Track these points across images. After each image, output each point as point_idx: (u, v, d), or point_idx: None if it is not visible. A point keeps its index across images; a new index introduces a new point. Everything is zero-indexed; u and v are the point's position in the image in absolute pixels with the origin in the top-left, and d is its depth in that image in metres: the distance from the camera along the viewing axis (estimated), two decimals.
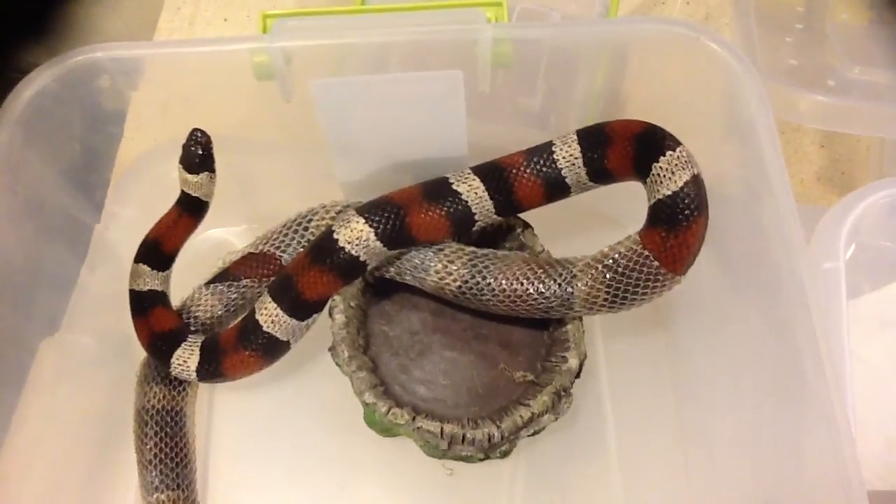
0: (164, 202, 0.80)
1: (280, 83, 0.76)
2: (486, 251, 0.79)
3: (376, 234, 0.73)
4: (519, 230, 0.86)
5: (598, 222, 0.97)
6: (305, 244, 0.82)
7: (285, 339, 0.76)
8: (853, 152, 1.16)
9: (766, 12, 0.97)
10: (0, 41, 1.21)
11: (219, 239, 1.02)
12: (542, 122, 0.95)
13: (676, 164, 0.68)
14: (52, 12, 1.29)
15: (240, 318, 0.80)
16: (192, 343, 0.78)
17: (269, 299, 0.75)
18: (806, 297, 0.61)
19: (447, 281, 0.78)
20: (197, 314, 0.83)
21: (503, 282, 0.76)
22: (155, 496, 0.80)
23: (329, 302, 0.80)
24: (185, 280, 0.84)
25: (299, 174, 0.94)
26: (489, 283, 0.76)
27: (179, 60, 0.77)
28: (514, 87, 0.90)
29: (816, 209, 0.92)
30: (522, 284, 0.76)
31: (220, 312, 0.83)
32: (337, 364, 0.81)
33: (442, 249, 0.78)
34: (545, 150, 0.75)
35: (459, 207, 0.74)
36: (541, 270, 0.76)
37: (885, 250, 0.82)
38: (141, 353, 0.83)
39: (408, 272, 0.79)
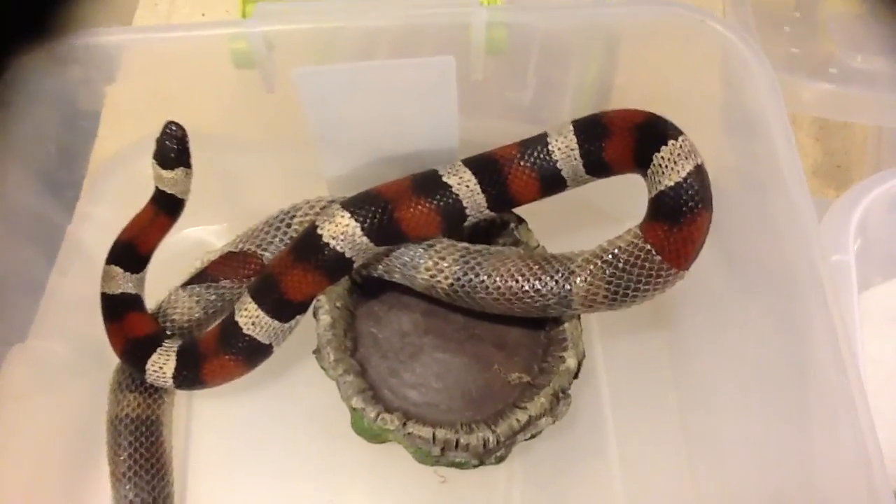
0: (140, 201, 0.76)
1: (261, 72, 0.72)
2: (478, 247, 0.76)
3: (363, 230, 0.69)
4: (513, 225, 0.83)
5: (594, 217, 0.94)
6: (288, 242, 0.78)
7: (267, 342, 0.72)
8: (849, 146, 1.14)
9: (761, 1, 0.95)
10: None
11: (196, 238, 0.98)
12: (533, 116, 0.92)
13: (679, 154, 0.66)
14: (17, 7, 1.25)
15: (219, 321, 0.76)
16: (168, 348, 0.74)
17: (250, 300, 0.71)
18: (823, 292, 0.60)
19: (438, 279, 0.74)
20: (173, 317, 0.79)
21: (497, 279, 0.73)
22: None
23: (314, 302, 0.76)
24: (160, 282, 0.80)
25: (281, 169, 0.90)
26: (482, 281, 0.73)
27: (155, 48, 0.74)
28: (505, 79, 0.87)
29: (814, 203, 0.90)
30: (518, 281, 0.72)
31: (198, 315, 0.79)
32: (322, 368, 0.77)
33: (433, 245, 0.75)
34: (540, 141, 0.72)
35: (450, 201, 0.71)
36: (537, 267, 0.73)
37: (892, 243, 0.79)
38: (115, 360, 0.79)
39: (397, 270, 0.76)
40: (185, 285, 0.79)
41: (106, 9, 1.33)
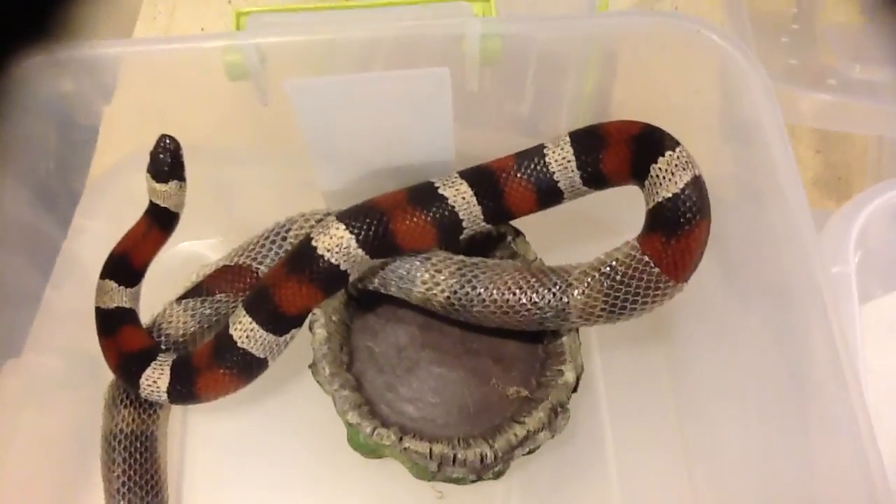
0: (136, 214, 0.75)
1: (255, 84, 0.72)
2: (475, 260, 0.75)
3: (357, 242, 0.69)
4: (510, 237, 0.82)
5: (592, 229, 0.93)
6: (283, 255, 0.77)
7: (262, 356, 0.72)
8: (849, 157, 1.14)
9: (759, 13, 0.95)
10: None
11: (191, 252, 0.97)
12: (531, 128, 0.92)
13: (676, 165, 0.65)
14: (16, 18, 1.25)
15: (213, 335, 0.75)
16: (163, 362, 0.73)
17: (244, 313, 0.71)
18: (823, 303, 0.58)
19: (435, 292, 0.73)
20: (168, 332, 0.78)
21: (494, 292, 0.72)
22: None
23: (309, 316, 0.75)
24: (155, 296, 0.79)
25: (277, 182, 0.90)
26: (479, 294, 0.72)
27: (150, 60, 0.73)
28: (502, 91, 0.87)
29: (815, 214, 0.90)
30: (515, 294, 0.72)
31: (192, 329, 0.78)
32: (318, 382, 0.76)
33: (429, 258, 0.74)
34: (536, 153, 0.71)
35: (446, 213, 0.71)
36: (534, 279, 0.72)
37: (893, 254, 0.78)
38: (110, 375, 0.78)
39: (393, 283, 0.75)
40: (180, 299, 0.79)
41: (106, 22, 1.33)
